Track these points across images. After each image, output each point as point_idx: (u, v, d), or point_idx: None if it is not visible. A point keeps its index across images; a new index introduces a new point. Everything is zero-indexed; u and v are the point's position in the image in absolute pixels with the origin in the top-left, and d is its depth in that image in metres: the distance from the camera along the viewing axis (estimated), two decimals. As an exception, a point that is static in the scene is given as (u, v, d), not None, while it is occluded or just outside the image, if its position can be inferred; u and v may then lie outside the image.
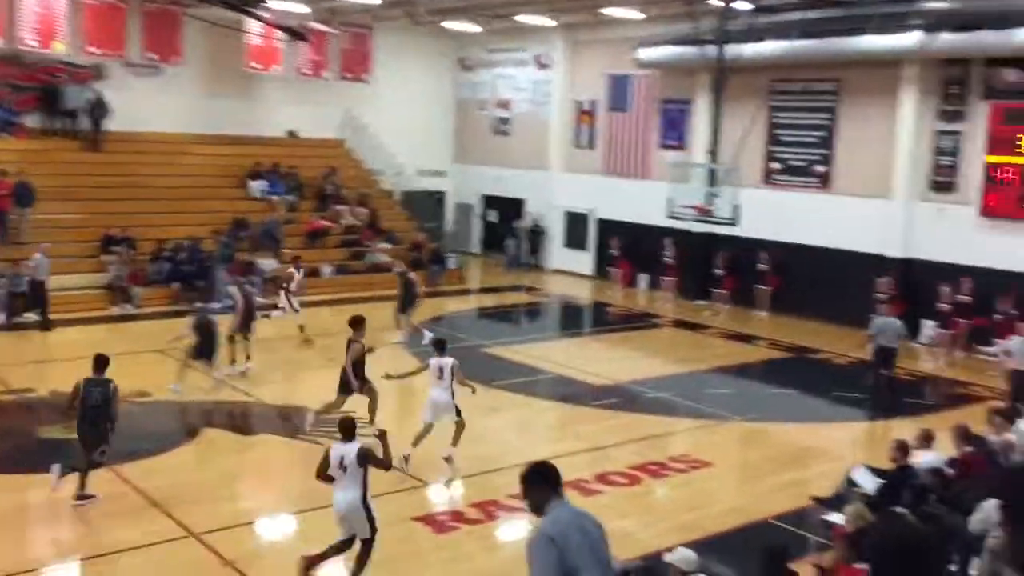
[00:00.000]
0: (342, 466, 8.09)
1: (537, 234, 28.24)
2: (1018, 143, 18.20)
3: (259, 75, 26.28)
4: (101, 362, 10.08)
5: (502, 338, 19.92)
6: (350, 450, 8.12)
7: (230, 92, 26.13)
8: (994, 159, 18.61)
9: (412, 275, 19.06)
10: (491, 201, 30.40)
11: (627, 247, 25.22)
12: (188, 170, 24.68)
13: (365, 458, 8.07)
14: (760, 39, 21.15)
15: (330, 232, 25.06)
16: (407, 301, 18.55)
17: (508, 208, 29.46)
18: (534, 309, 24.26)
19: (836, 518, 9.34)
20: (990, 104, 18.76)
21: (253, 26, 24.15)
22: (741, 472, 12.17)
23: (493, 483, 11.12)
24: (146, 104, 24.61)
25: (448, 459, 11.49)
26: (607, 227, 26.36)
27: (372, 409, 12.54)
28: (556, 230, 28.18)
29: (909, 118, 19.84)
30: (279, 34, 23.68)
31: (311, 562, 8.19)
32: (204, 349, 14.32)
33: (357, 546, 8.24)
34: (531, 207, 28.76)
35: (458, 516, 10.16)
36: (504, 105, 29.70)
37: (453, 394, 11.52)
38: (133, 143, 24.27)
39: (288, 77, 26.64)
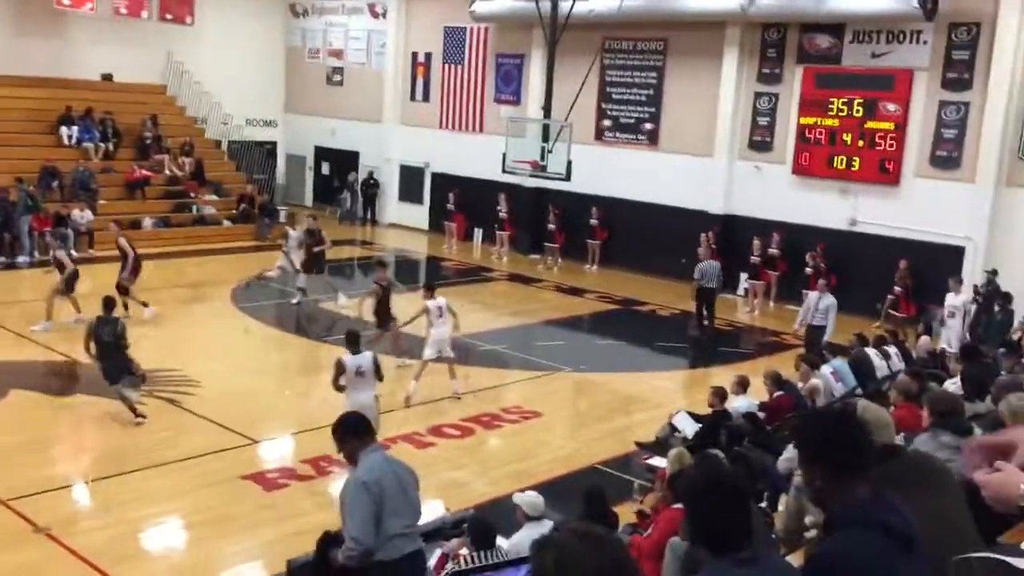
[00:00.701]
0: (359, 372, 9.82)
1: (371, 187, 27.84)
2: (829, 106, 19.32)
3: (71, 13, 24.50)
4: (110, 304, 11.59)
5: (334, 292, 19.61)
6: (365, 359, 9.90)
7: (38, 31, 24.25)
8: (806, 120, 19.70)
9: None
10: (324, 153, 29.69)
11: (462, 201, 25.26)
12: (-9, 114, 22.86)
13: (377, 365, 9.96)
14: (593, -4, 21.46)
15: (151, 183, 23.85)
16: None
17: (342, 161, 28.87)
18: (368, 264, 23.99)
19: (658, 462, 9.79)
20: (804, 68, 19.80)
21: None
22: (570, 421, 12.53)
23: (325, 438, 10.94)
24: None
25: (457, 395, 12.54)
26: (442, 181, 26.29)
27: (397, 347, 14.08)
28: (391, 184, 27.87)
29: (730, 79, 20.68)
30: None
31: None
32: None
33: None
34: (365, 160, 28.30)
35: (289, 473, 10.01)
36: (337, 54, 28.95)
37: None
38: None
39: (103, 16, 24.96)
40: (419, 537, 5.78)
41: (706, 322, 17.53)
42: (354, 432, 5.44)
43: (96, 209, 21.74)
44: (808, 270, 18.30)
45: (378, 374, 10.13)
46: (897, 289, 17.34)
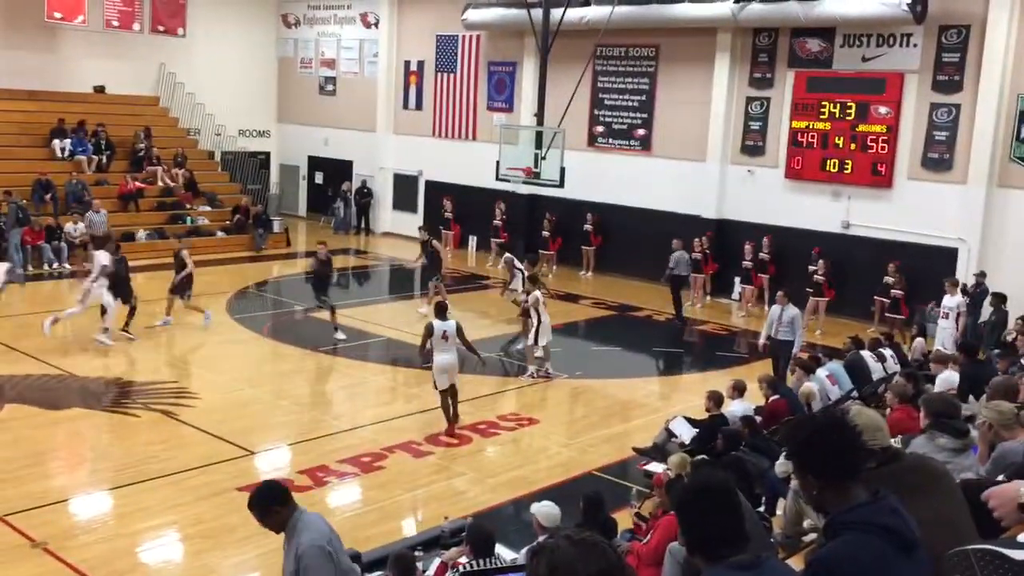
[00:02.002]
0: (444, 337, 11.36)
1: (365, 196, 27.84)
2: (821, 109, 19.38)
3: (62, 26, 24.49)
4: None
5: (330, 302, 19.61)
6: (450, 325, 11.47)
7: (29, 44, 24.23)
8: (798, 124, 19.76)
9: (436, 243, 18.91)
10: (318, 163, 29.69)
11: (456, 209, 25.27)
12: (-17, 127, 22.84)
13: (461, 330, 11.64)
14: (585, 3, 21.53)
15: (144, 195, 23.83)
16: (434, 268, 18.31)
17: (335, 170, 28.87)
18: (363, 272, 23.99)
19: (656, 467, 9.80)
20: (795, 72, 19.87)
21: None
22: (567, 428, 12.52)
23: (322, 449, 11.00)
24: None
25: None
26: (436, 189, 26.30)
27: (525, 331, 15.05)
28: (385, 192, 27.88)
29: (722, 84, 20.74)
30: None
31: (450, 425, 11.41)
32: None
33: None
34: (359, 169, 28.30)
35: (286, 484, 9.95)
36: (329, 64, 28.97)
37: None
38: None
39: (95, 29, 24.96)
40: None
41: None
42: (282, 500, 5.23)
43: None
44: (819, 277, 18.14)
45: (461, 338, 11.66)
46: (895, 292, 17.35)
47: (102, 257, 14.84)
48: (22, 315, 16.92)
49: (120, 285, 15.19)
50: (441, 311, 11.83)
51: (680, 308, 18.63)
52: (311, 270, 17.55)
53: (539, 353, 14.26)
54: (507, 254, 18.21)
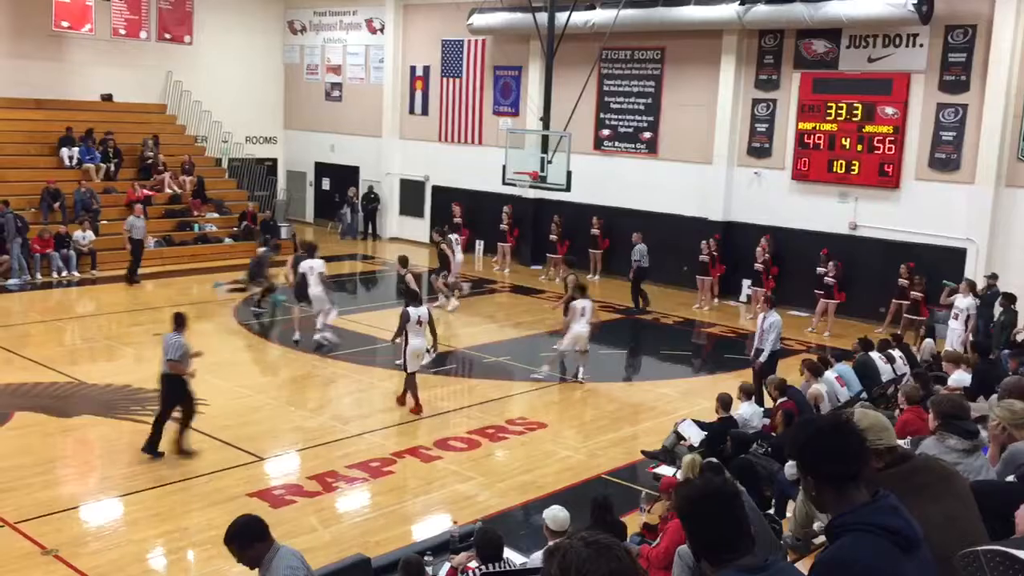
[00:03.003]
0: (419, 322, 12.34)
1: (372, 202, 27.89)
2: (827, 110, 19.35)
3: (69, 35, 24.61)
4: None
5: (338, 308, 19.64)
6: (423, 311, 12.56)
7: (37, 53, 24.35)
8: (805, 126, 19.73)
9: (444, 245, 19.82)
10: (324, 169, 29.75)
11: (463, 214, 25.28)
12: (-9, 137, 22.94)
13: (431, 317, 12.80)
14: (591, 7, 21.55)
15: (152, 202, 23.90)
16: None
17: (342, 176, 28.92)
18: (370, 278, 24.03)
19: (665, 470, 9.79)
20: (801, 73, 19.84)
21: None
22: (576, 431, 12.50)
23: (331, 454, 11.02)
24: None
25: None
26: (443, 194, 26.33)
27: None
28: (391, 198, 27.93)
29: (728, 86, 20.72)
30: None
31: (414, 405, 12.32)
32: None
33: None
34: (365, 175, 28.35)
35: (295, 489, 10.00)
36: (335, 70, 29.05)
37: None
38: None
39: (102, 37, 25.07)
40: None
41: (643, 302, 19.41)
42: (259, 536, 5.22)
43: (98, 229, 21.80)
44: (829, 279, 18.08)
45: (431, 325, 12.79)
46: (914, 294, 17.28)
47: (318, 265, 15.90)
48: (30, 324, 17.00)
49: (301, 290, 15.86)
50: (415, 298, 12.92)
51: (646, 299, 19.51)
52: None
53: (560, 350, 14.77)
54: (572, 274, 16.80)
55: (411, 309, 12.45)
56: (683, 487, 2.93)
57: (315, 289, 15.53)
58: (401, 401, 12.72)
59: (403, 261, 17.16)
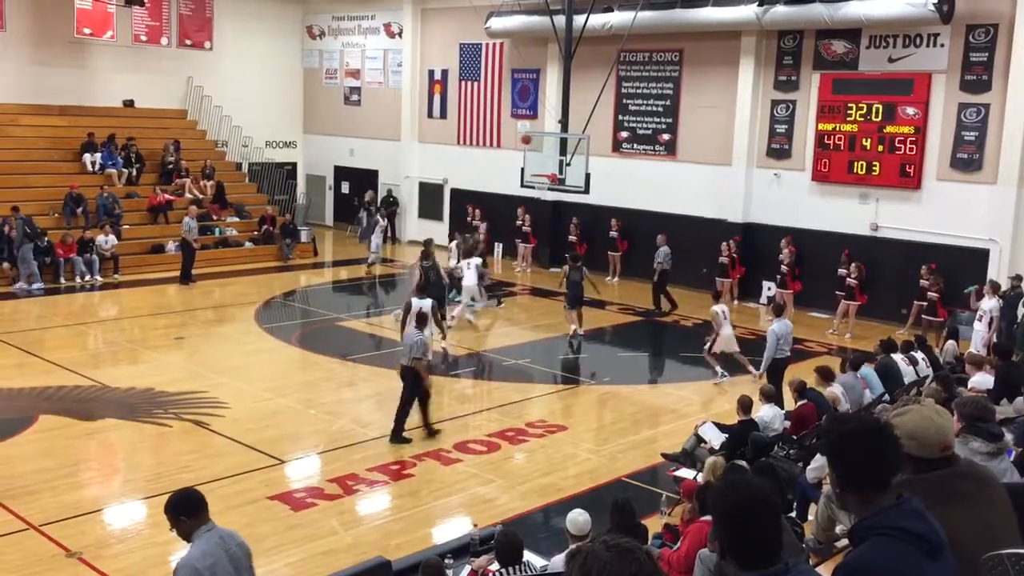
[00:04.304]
0: (421, 313, 12.48)
1: (391, 205, 27.97)
2: (847, 111, 19.25)
3: (91, 42, 24.85)
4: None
5: (357, 311, 19.75)
6: (426, 303, 12.89)
7: (59, 60, 24.61)
8: (825, 126, 19.62)
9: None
10: (344, 172, 29.88)
11: (482, 216, 25.30)
12: (16, 143, 23.16)
13: (435, 310, 13.40)
14: (608, 9, 21.53)
15: (174, 206, 24.08)
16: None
17: (361, 179, 29.03)
18: (389, 281, 24.08)
19: (685, 473, 9.76)
20: (820, 74, 19.74)
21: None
22: (595, 434, 12.49)
23: (351, 457, 11.05)
24: (-35, 73, 22.93)
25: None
26: (461, 197, 26.37)
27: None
28: (410, 201, 28.00)
29: (747, 87, 20.65)
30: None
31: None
32: None
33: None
34: (384, 178, 28.44)
35: (316, 492, 10.04)
36: (354, 74, 29.17)
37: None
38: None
39: (123, 44, 25.29)
40: None
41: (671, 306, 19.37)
42: (189, 511, 5.23)
43: (120, 234, 21.98)
44: (851, 281, 17.97)
45: (435, 317, 13.29)
46: (931, 294, 17.16)
47: (475, 260, 18.18)
48: (54, 327, 17.17)
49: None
50: (422, 290, 13.78)
51: (672, 303, 19.38)
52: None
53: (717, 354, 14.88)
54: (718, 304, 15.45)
55: (413, 300, 13.17)
56: (731, 491, 2.84)
57: (469, 281, 17.83)
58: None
59: (426, 250, 17.46)
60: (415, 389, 11.54)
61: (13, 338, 15.78)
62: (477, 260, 18.41)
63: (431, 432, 11.67)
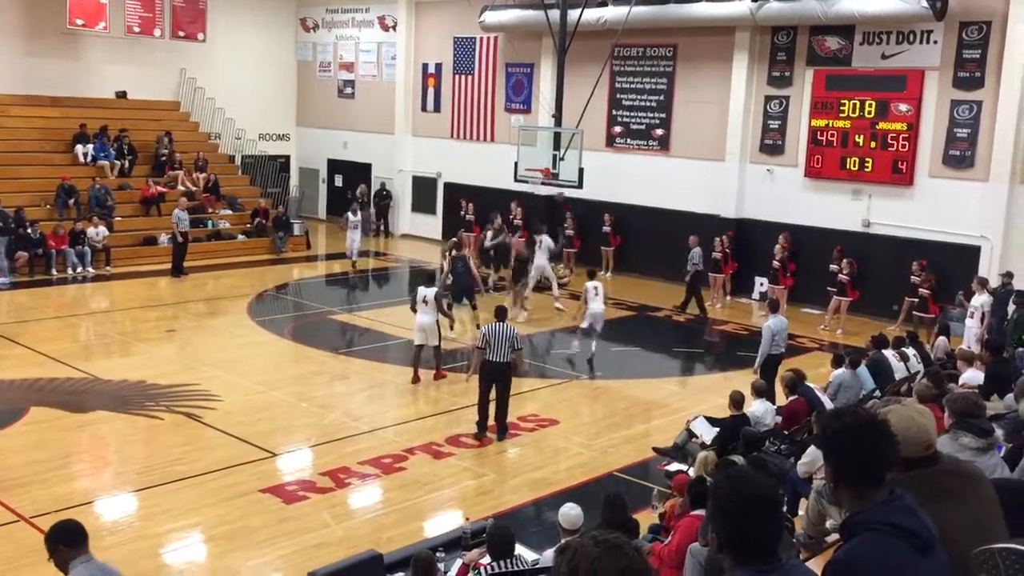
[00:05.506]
0: (424, 301, 13.52)
1: (384, 199, 27.92)
2: (840, 107, 19.27)
3: (83, 33, 24.74)
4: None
5: (350, 304, 19.74)
6: (429, 292, 13.65)
7: (51, 51, 24.49)
8: (818, 123, 19.65)
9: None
10: (337, 166, 29.82)
11: (476, 211, 25.27)
12: (7, 134, 23.05)
13: (437, 297, 13.85)
14: (603, 4, 21.52)
15: (166, 199, 23.99)
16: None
17: (354, 173, 28.97)
18: (382, 274, 24.07)
19: (676, 467, 9.79)
20: (814, 70, 19.76)
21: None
22: (587, 428, 12.51)
23: (343, 450, 11.06)
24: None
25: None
26: (455, 191, 26.35)
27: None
28: (404, 195, 27.96)
29: (740, 83, 20.66)
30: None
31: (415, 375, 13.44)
32: None
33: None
34: (378, 171, 28.40)
35: (308, 485, 10.04)
36: (348, 67, 29.09)
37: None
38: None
39: (116, 35, 25.19)
40: None
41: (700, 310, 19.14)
42: (65, 541, 5.31)
43: (112, 226, 21.91)
44: (843, 277, 18.02)
45: (439, 304, 13.87)
46: (922, 291, 17.21)
47: (547, 240, 18.83)
48: (46, 319, 17.11)
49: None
50: (429, 279, 14.50)
51: (701, 306, 19.04)
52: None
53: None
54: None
55: (420, 288, 13.90)
56: (736, 486, 2.81)
57: (539, 260, 18.52)
58: (415, 380, 13.71)
59: (457, 242, 18.58)
60: (507, 386, 11.58)
61: (2, 329, 15.73)
62: (548, 240, 18.79)
63: (499, 431, 11.65)
